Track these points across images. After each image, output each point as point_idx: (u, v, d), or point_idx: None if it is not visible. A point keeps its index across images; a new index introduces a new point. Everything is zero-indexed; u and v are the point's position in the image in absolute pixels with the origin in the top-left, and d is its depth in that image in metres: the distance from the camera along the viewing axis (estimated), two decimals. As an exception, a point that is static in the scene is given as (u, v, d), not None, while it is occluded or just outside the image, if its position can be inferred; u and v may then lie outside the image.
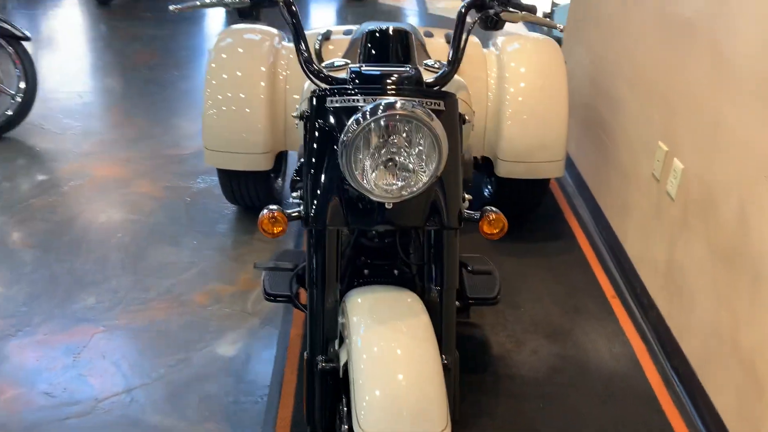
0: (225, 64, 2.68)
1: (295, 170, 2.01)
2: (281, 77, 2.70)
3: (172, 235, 2.88)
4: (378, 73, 1.50)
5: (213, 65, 2.68)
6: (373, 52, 1.72)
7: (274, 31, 2.82)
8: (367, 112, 1.30)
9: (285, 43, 2.83)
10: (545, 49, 2.78)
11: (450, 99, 1.48)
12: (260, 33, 2.77)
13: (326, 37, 2.69)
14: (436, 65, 1.89)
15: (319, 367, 1.45)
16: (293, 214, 1.47)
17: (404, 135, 1.33)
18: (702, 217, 2.08)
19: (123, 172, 3.37)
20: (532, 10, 1.72)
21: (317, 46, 2.61)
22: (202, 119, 2.65)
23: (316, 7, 6.80)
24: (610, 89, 2.96)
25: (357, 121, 1.30)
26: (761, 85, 1.78)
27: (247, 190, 2.85)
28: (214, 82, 2.65)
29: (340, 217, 1.44)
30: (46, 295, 2.48)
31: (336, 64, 1.87)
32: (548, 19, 1.78)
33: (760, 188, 1.76)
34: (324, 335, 1.49)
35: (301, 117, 1.52)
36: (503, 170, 2.70)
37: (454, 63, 1.61)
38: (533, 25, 3.48)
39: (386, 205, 1.39)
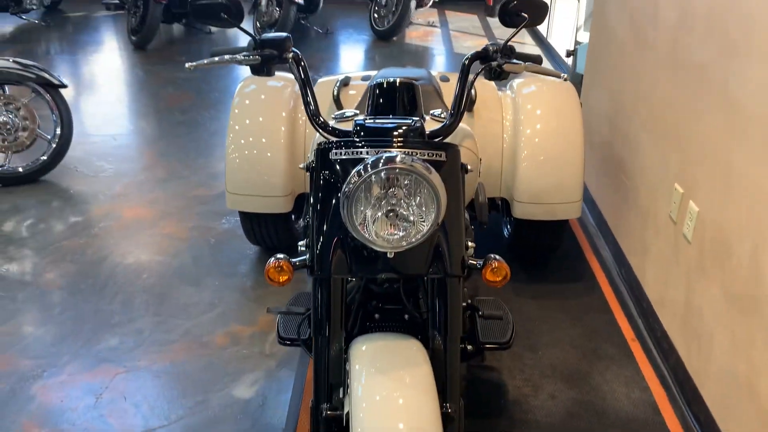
0: (247, 110, 2.77)
1: (308, 216, 2.06)
2: (301, 122, 2.77)
3: (195, 276, 2.95)
4: (381, 126, 1.54)
5: (236, 111, 2.77)
6: (381, 101, 1.77)
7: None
8: (369, 165, 1.35)
9: (306, 89, 2.91)
10: (560, 91, 2.80)
11: (452, 150, 1.51)
12: (281, 79, 2.86)
13: (345, 83, 2.77)
14: (441, 115, 1.94)
15: (324, 415, 1.47)
16: (299, 263, 1.51)
17: (404, 187, 1.36)
18: (717, 260, 2.05)
19: (151, 214, 3.48)
20: (536, 60, 1.75)
21: (335, 93, 2.68)
22: (225, 164, 2.73)
23: (345, 48, 6.96)
24: (627, 130, 2.96)
25: (358, 174, 1.35)
26: (771, 131, 1.77)
27: (267, 231, 2.91)
28: (236, 127, 2.74)
29: (344, 266, 1.47)
30: (73, 336, 2.55)
31: (347, 114, 1.93)
32: (551, 69, 1.80)
33: (773, 234, 1.74)
34: (329, 383, 1.51)
35: (307, 168, 1.57)
36: (520, 212, 2.71)
37: (457, 114, 1.65)
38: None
39: (388, 254, 1.42)
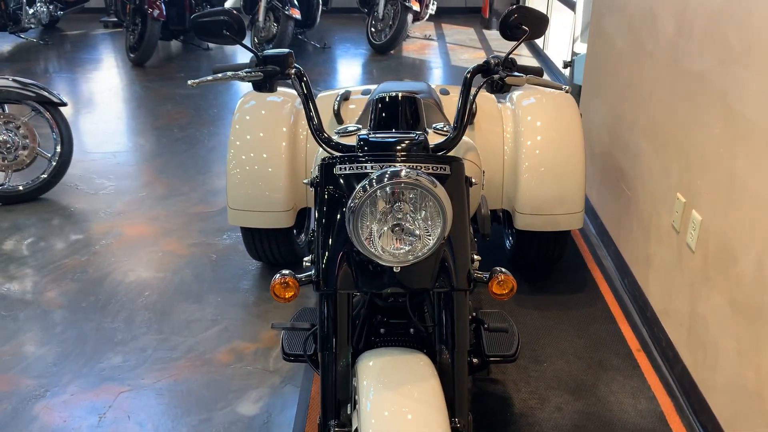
0: (248, 126, 2.77)
1: (312, 231, 2.06)
2: (302, 137, 2.77)
3: (197, 293, 2.94)
4: (385, 140, 1.54)
5: (236, 127, 2.77)
6: (383, 115, 1.77)
7: (295, 92, 2.91)
8: (374, 180, 1.35)
9: (305, 104, 2.92)
10: (560, 102, 2.81)
11: (456, 163, 1.51)
12: (281, 95, 2.87)
13: (345, 97, 2.78)
14: (444, 128, 1.94)
15: (332, 431, 1.46)
16: (304, 279, 1.51)
17: (410, 202, 1.36)
18: (722, 269, 2.05)
19: (152, 231, 3.47)
20: (537, 72, 1.76)
21: (336, 107, 2.69)
22: (226, 180, 2.73)
23: (343, 62, 6.99)
24: (628, 140, 2.97)
25: (364, 188, 1.35)
26: (773, 139, 1.77)
27: (269, 246, 2.90)
28: (237, 143, 2.74)
29: (350, 281, 1.47)
30: (75, 355, 2.54)
31: (349, 129, 1.93)
32: (553, 81, 1.81)
33: (778, 242, 1.74)
34: (336, 399, 1.50)
35: (312, 184, 1.57)
36: (522, 223, 2.71)
37: (460, 127, 1.65)
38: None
39: (394, 269, 1.42)
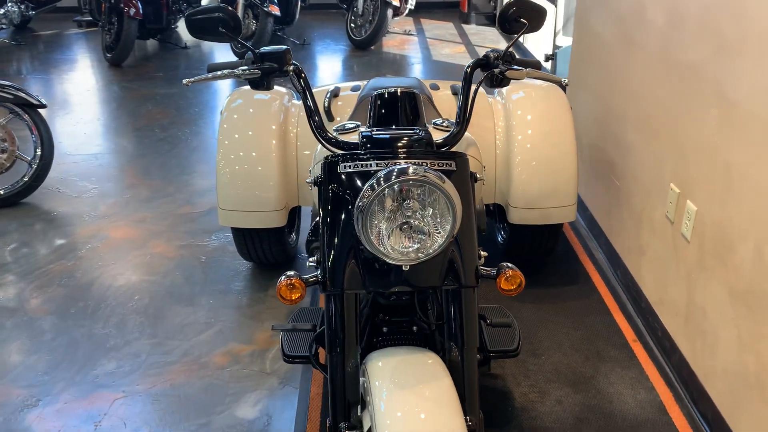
0: (236, 125, 2.73)
1: (310, 230, 2.03)
2: (292, 134, 2.74)
3: (188, 295, 2.89)
4: (389, 137, 1.52)
5: (224, 126, 2.72)
6: (383, 112, 1.75)
7: (284, 90, 2.87)
8: (381, 179, 1.33)
9: (295, 101, 2.89)
10: (550, 95, 2.81)
11: (461, 159, 1.50)
12: (268, 92, 2.82)
13: (335, 94, 2.75)
14: (444, 124, 1.92)
15: (343, 433, 1.44)
16: (310, 279, 1.48)
17: (417, 199, 1.35)
18: (719, 258, 2.07)
19: (138, 233, 3.41)
20: (536, 65, 1.75)
21: (326, 104, 2.66)
22: (216, 180, 2.69)
23: (323, 59, 6.94)
24: (617, 132, 2.98)
25: (372, 187, 1.33)
26: (769, 128, 1.79)
27: (261, 247, 2.87)
28: (226, 142, 2.70)
29: (357, 281, 1.45)
30: (67, 362, 2.48)
31: (347, 126, 1.91)
32: (552, 74, 1.81)
33: (777, 230, 1.76)
34: (346, 400, 1.48)
35: (315, 183, 1.54)
36: (515, 217, 2.71)
37: (463, 122, 1.64)
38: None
39: (403, 267, 1.40)
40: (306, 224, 3.34)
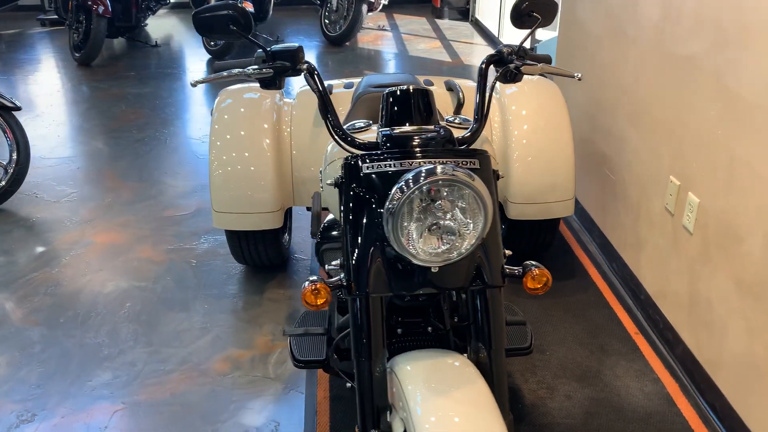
0: (227, 125, 2.66)
1: (319, 233, 1.98)
2: (286, 133, 2.68)
3: (182, 301, 2.81)
4: (410, 135, 1.49)
5: (216, 126, 2.65)
6: (396, 110, 1.71)
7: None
8: (410, 181, 1.29)
9: (287, 99, 2.83)
10: (544, 89, 2.80)
11: (483, 156, 1.47)
12: (258, 91, 2.76)
13: (329, 91, 2.69)
14: (456, 120, 1.89)
15: (374, 441, 1.40)
16: (334, 283, 1.44)
17: (447, 198, 1.31)
18: (724, 249, 2.08)
19: (123, 238, 3.31)
20: (547, 60, 1.74)
21: (320, 102, 2.60)
22: (209, 182, 2.62)
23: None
24: (610, 126, 2.99)
25: (401, 190, 1.29)
26: (778, 120, 1.80)
27: (257, 249, 2.80)
28: (218, 143, 2.63)
29: (383, 283, 1.41)
30: (60, 374, 2.39)
31: (357, 125, 1.86)
32: (565, 69, 1.79)
33: (788, 221, 1.77)
34: (375, 406, 1.44)
35: (336, 184, 1.50)
36: (514, 212, 2.70)
37: (481, 119, 1.61)
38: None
39: (432, 269, 1.37)
40: (298, 224, 3.28)
